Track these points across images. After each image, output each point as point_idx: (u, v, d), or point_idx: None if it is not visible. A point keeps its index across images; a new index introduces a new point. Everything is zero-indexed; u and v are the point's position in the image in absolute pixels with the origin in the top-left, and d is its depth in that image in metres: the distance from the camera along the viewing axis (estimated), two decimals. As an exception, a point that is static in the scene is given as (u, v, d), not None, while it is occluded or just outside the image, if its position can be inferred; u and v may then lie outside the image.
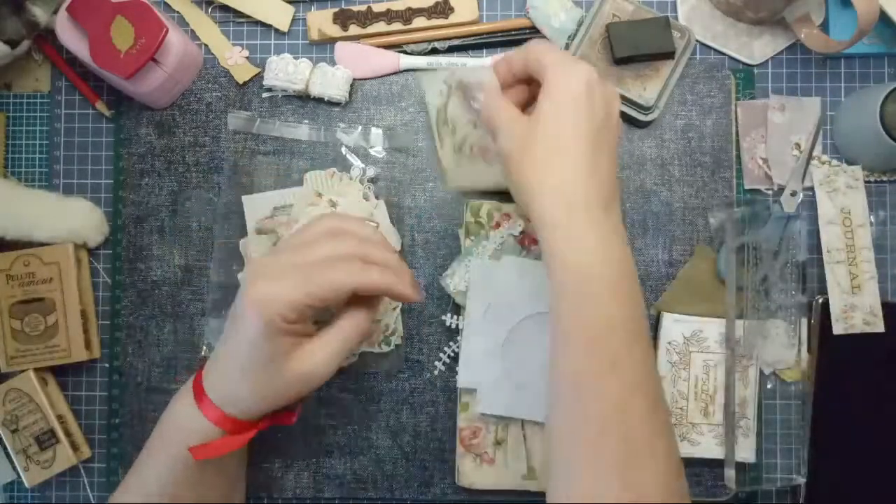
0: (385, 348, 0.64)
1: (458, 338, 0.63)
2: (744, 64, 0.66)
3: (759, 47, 0.66)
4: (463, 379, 0.61)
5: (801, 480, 0.63)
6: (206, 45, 0.66)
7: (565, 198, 0.48)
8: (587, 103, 0.49)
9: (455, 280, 0.62)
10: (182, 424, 0.53)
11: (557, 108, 0.49)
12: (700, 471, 0.64)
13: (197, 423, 0.52)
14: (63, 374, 0.65)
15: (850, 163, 0.65)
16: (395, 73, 0.66)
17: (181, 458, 0.52)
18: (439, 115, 0.60)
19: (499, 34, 0.66)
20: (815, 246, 0.64)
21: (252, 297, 0.49)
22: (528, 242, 0.62)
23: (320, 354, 0.51)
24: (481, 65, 0.64)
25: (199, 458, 0.51)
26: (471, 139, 0.60)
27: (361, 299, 0.53)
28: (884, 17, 0.61)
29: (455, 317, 0.63)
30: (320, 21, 0.66)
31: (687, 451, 0.62)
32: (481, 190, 0.63)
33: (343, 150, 0.65)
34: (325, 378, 0.52)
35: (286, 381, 0.51)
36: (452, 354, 0.64)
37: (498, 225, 0.63)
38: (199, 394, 0.52)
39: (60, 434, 0.63)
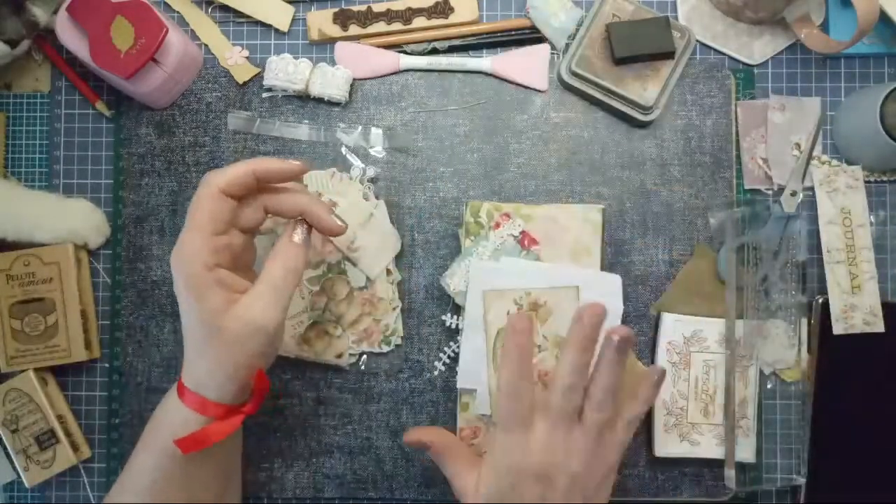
0: (385, 348, 0.64)
1: (459, 338, 0.63)
2: (744, 64, 0.66)
3: (759, 47, 0.66)
4: (462, 380, 0.61)
5: (801, 480, 0.63)
6: (206, 45, 0.66)
7: None
8: None
9: (455, 280, 0.62)
10: (168, 418, 0.53)
11: None
12: (700, 471, 0.64)
13: (181, 414, 0.52)
14: (63, 374, 0.66)
15: (850, 163, 0.65)
16: (395, 73, 0.66)
17: (169, 454, 0.52)
18: (498, 339, 0.60)
19: (499, 34, 0.66)
20: (815, 246, 0.64)
21: (172, 263, 0.51)
22: (527, 243, 0.62)
23: (256, 303, 0.51)
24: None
25: (187, 452, 0.51)
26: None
27: (289, 246, 0.54)
28: (884, 17, 0.61)
29: (455, 317, 0.63)
30: (320, 21, 0.66)
31: (687, 451, 0.62)
32: None
33: (343, 150, 0.65)
34: (272, 328, 0.51)
35: (233, 339, 0.51)
36: (452, 354, 0.64)
37: (498, 225, 0.63)
38: (180, 385, 0.53)
39: (60, 434, 0.63)
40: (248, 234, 0.55)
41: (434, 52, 0.66)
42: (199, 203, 0.52)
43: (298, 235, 0.54)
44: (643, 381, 0.56)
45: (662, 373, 0.56)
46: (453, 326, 0.63)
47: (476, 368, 0.61)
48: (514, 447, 0.53)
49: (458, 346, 0.63)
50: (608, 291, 0.61)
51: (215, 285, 0.51)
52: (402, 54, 0.66)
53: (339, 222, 0.55)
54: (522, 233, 0.62)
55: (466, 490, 0.55)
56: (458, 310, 0.63)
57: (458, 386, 0.62)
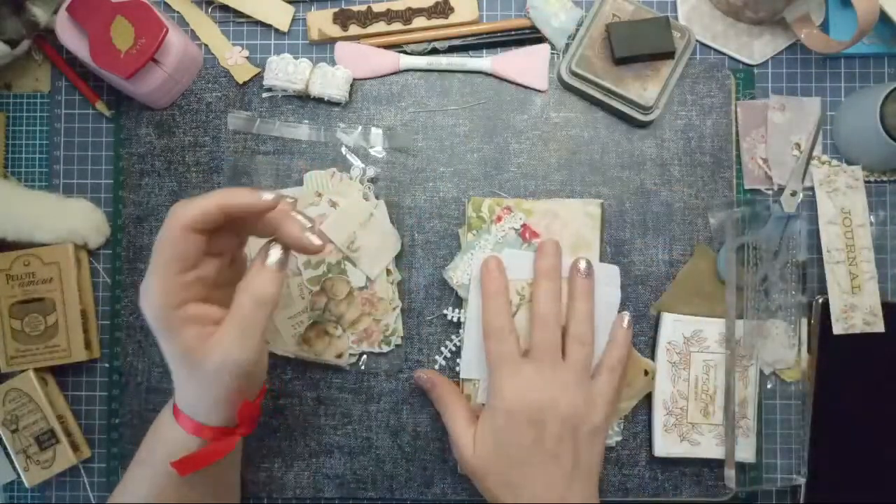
0: (385, 348, 0.64)
1: (461, 331, 0.63)
2: (744, 64, 0.66)
3: (759, 47, 0.66)
4: (465, 370, 0.61)
5: (801, 480, 0.63)
6: (206, 45, 0.67)
7: None
8: None
9: (458, 273, 0.62)
10: (165, 436, 0.53)
11: None
12: (700, 471, 0.64)
13: (176, 433, 0.52)
14: (63, 374, 0.65)
15: (850, 163, 0.65)
16: (395, 73, 0.66)
17: (165, 471, 0.51)
18: None
19: (499, 34, 0.66)
20: (815, 246, 0.64)
21: (140, 304, 0.49)
22: (528, 236, 0.62)
23: (227, 338, 0.48)
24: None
25: (184, 474, 0.50)
26: None
27: (263, 272, 0.50)
28: (884, 17, 0.61)
29: (457, 310, 0.63)
30: (320, 21, 0.66)
31: (687, 451, 0.62)
32: None
33: (343, 150, 0.65)
34: (250, 360, 0.49)
35: (211, 374, 0.49)
36: (454, 349, 0.64)
37: (499, 219, 0.63)
38: (175, 405, 0.52)
39: (60, 434, 0.63)
40: (225, 256, 0.52)
41: (434, 52, 0.66)
42: (163, 243, 0.48)
43: (272, 258, 0.50)
44: (613, 325, 0.61)
45: (629, 317, 0.61)
46: (455, 320, 0.63)
47: (479, 358, 0.60)
48: (505, 388, 0.55)
49: (459, 341, 0.63)
50: (606, 281, 0.62)
51: (186, 323, 0.48)
52: (402, 54, 0.66)
53: (316, 241, 0.50)
54: (524, 226, 0.62)
55: (464, 444, 0.56)
56: (459, 303, 0.63)
57: (462, 376, 0.62)
